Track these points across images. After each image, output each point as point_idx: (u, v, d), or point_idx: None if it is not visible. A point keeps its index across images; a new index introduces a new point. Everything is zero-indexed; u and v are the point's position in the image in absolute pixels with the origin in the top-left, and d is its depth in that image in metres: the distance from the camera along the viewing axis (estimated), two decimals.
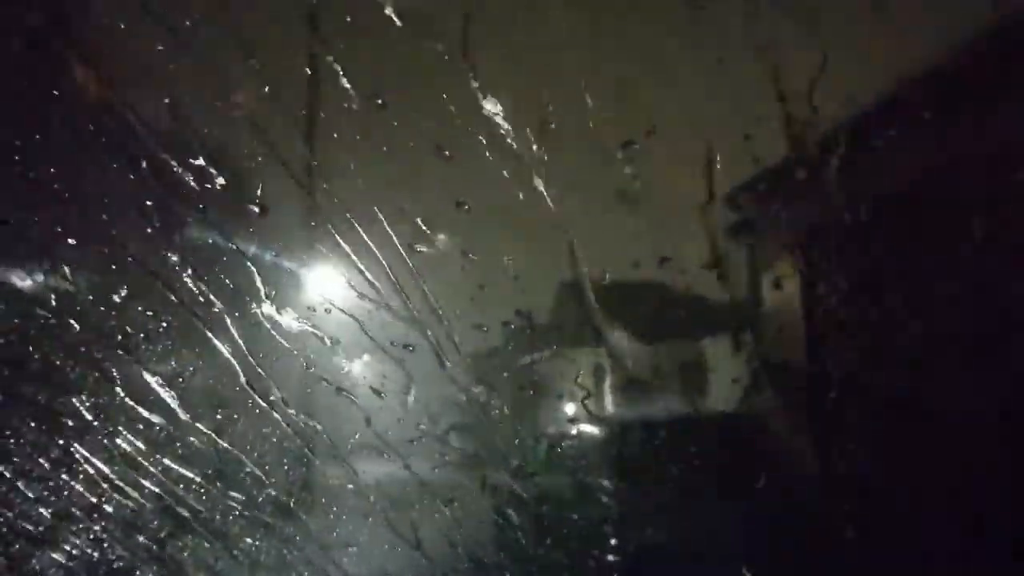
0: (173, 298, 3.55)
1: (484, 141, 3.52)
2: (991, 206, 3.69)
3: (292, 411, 3.74)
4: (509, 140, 3.57)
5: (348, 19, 3.56)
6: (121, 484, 3.33)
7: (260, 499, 3.57)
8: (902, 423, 3.52)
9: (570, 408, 4.21)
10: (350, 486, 3.76)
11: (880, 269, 3.95)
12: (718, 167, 3.85)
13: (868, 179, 3.89)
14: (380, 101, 3.52)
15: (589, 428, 4.28)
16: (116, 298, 3.44)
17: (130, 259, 3.47)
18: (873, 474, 3.60)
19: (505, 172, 3.61)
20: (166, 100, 3.32)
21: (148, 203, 3.38)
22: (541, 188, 3.90)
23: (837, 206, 3.82)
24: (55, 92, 3.22)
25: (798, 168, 4.23)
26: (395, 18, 3.43)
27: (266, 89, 3.43)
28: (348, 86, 3.46)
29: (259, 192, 4.00)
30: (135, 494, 3.35)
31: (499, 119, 3.52)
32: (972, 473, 3.42)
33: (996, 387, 3.59)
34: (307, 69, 3.59)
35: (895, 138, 3.81)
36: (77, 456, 3.20)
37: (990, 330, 3.66)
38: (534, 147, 3.70)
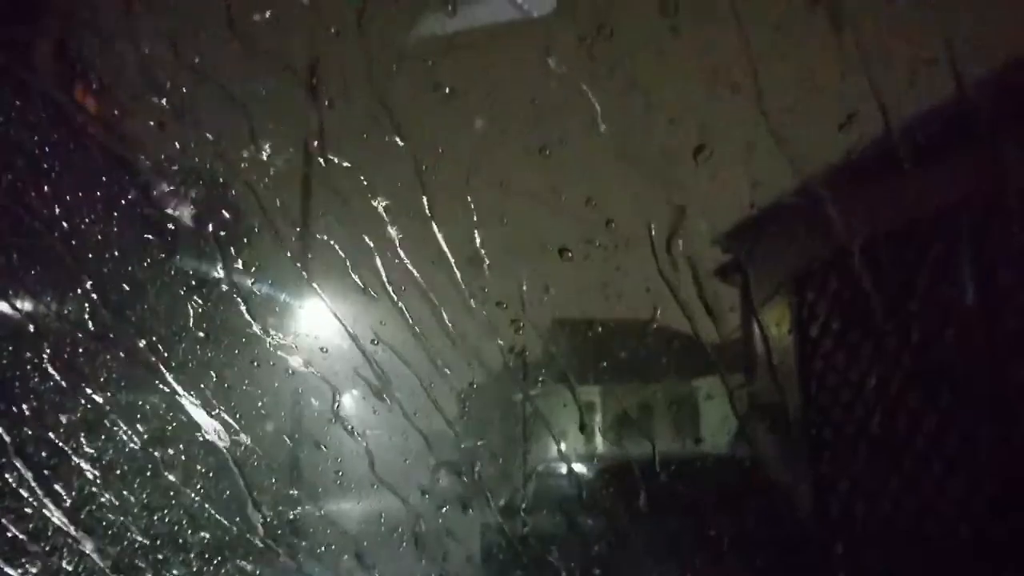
0: (166, 331, 3.56)
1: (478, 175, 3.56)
2: (983, 245, 3.72)
3: (282, 445, 3.71)
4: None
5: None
6: (104, 518, 3.30)
7: (247, 534, 3.52)
8: (893, 457, 3.50)
9: (562, 446, 4.18)
10: (337, 521, 3.71)
11: (872, 306, 3.96)
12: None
13: (860, 219, 3.92)
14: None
15: (580, 466, 4.25)
16: (108, 329, 3.44)
17: (126, 289, 3.49)
18: (867, 511, 3.56)
19: (500, 215, 3.64)
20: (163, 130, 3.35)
21: (143, 234, 3.40)
22: (536, 228, 3.93)
23: (828, 246, 3.84)
24: (54, 119, 3.27)
25: (790, 208, 4.26)
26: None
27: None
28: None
29: (255, 227, 4.03)
30: (118, 526, 3.32)
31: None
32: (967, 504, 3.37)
33: (990, 420, 3.57)
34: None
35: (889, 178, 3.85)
36: (57, 486, 3.17)
37: (980, 363, 3.65)
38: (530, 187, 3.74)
